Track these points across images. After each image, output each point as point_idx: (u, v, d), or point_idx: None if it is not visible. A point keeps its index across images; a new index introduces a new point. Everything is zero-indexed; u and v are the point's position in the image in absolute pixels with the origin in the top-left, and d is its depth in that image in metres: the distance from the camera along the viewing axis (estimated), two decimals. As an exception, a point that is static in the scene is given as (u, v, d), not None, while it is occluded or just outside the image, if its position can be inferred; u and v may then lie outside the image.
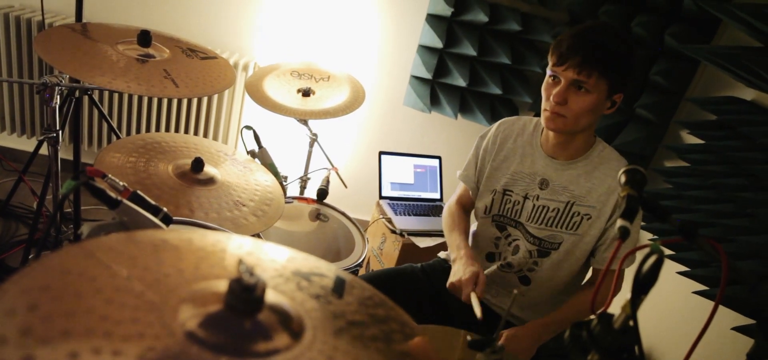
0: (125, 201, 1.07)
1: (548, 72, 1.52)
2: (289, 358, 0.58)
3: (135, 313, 0.57)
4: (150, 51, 1.70)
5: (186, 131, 2.95)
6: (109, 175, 1.16)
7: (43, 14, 2.36)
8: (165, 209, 1.20)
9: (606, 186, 1.56)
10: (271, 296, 0.65)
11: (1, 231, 2.56)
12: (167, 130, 2.92)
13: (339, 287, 0.74)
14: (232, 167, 1.72)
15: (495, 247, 1.75)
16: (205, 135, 2.98)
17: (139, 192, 1.18)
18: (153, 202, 1.19)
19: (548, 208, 1.62)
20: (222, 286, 0.63)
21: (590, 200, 1.57)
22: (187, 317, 0.58)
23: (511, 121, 1.76)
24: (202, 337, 0.56)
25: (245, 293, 0.59)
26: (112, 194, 1.03)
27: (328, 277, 0.77)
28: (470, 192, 1.82)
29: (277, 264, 0.76)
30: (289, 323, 0.63)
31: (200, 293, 0.63)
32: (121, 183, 1.17)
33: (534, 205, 1.64)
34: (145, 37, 1.68)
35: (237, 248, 0.77)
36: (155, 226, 1.12)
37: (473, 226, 1.85)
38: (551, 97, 1.49)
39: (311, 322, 0.65)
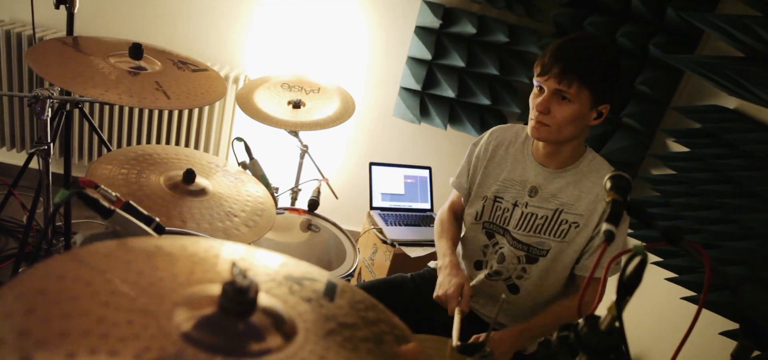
0: (118, 210, 1.08)
1: (535, 82, 1.55)
2: (282, 358, 0.59)
3: (130, 315, 0.58)
4: (141, 63, 1.71)
5: (177, 144, 2.95)
6: (102, 186, 1.17)
7: (33, 28, 2.36)
8: (158, 219, 1.21)
9: (594, 194, 1.58)
10: (263, 299, 0.66)
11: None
12: (158, 142, 2.93)
13: (330, 291, 0.76)
14: (223, 179, 1.73)
15: (483, 255, 1.77)
16: (196, 147, 2.98)
17: (131, 202, 1.18)
18: (145, 213, 1.20)
19: (537, 215, 1.64)
20: (216, 289, 0.64)
21: (578, 208, 1.60)
22: (182, 319, 0.60)
23: (504, 128, 1.78)
24: (197, 338, 0.57)
25: (238, 295, 0.60)
26: (105, 204, 1.04)
27: (320, 282, 0.78)
28: (462, 198, 1.84)
29: (270, 269, 0.78)
30: (282, 325, 0.64)
31: (194, 297, 0.65)
32: (113, 193, 1.18)
33: (522, 213, 1.66)
34: (136, 50, 1.69)
35: (230, 254, 0.78)
36: (148, 235, 1.13)
37: (463, 232, 1.86)
38: (535, 107, 1.53)
39: (303, 324, 0.66)
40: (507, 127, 1.79)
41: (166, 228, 1.25)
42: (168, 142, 2.93)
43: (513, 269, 1.69)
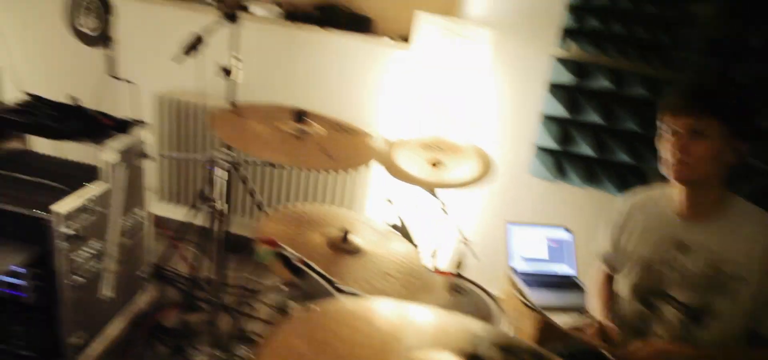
0: (307, 270, 1.13)
1: (663, 127, 1.52)
2: None
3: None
4: (304, 127, 1.82)
5: (315, 199, 3.08)
6: (286, 247, 1.24)
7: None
8: (333, 279, 1.25)
9: (758, 244, 1.45)
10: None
11: (157, 293, 2.74)
12: (297, 199, 3.08)
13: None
14: (372, 238, 1.76)
15: (643, 324, 1.66)
16: (332, 203, 3.09)
17: (312, 263, 1.24)
18: (324, 272, 1.25)
19: (693, 272, 1.53)
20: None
21: (738, 259, 1.47)
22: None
23: (637, 193, 1.77)
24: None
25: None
26: (299, 265, 1.09)
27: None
28: (610, 270, 1.83)
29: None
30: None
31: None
32: (295, 253, 1.24)
33: (678, 272, 1.56)
34: (299, 115, 1.81)
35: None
36: (330, 294, 1.17)
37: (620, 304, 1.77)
38: (673, 149, 1.49)
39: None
40: (638, 190, 1.77)
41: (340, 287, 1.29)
42: (306, 198, 3.07)
43: (678, 334, 1.57)
